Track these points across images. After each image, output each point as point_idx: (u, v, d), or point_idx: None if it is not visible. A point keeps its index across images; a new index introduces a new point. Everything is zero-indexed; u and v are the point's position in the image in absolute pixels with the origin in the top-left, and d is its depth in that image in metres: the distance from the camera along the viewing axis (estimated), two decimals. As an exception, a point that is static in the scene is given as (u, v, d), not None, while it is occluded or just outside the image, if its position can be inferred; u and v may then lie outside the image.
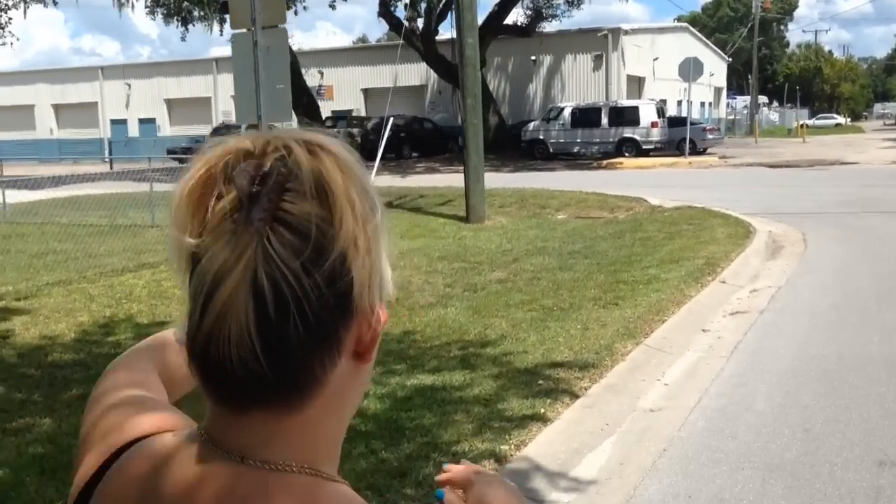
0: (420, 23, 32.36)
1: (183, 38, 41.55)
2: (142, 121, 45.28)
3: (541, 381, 5.04)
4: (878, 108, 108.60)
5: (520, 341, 5.99)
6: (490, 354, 5.71)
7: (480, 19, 32.13)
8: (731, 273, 8.58)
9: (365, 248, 0.65)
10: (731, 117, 55.44)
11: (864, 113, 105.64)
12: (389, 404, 4.65)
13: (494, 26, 32.96)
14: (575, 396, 4.82)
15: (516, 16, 34.96)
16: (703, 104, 48.54)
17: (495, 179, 19.11)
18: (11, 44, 31.41)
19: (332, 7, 28.37)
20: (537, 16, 34.80)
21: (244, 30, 6.88)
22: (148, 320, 7.01)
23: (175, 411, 0.84)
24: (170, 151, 28.12)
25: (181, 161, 19.12)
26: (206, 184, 0.65)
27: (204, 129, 37.99)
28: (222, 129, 32.73)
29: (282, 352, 0.63)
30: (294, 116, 29.51)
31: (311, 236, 0.62)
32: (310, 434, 0.68)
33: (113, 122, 46.13)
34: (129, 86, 45.59)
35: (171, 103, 45.27)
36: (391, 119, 16.14)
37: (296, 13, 28.28)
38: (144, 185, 13.29)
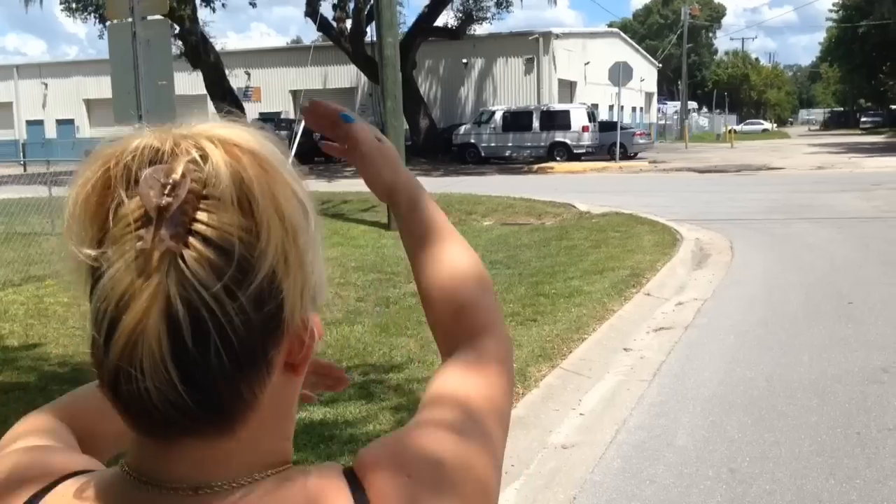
0: (349, 24, 31.70)
1: (100, 36, 40.02)
2: (59, 122, 43.39)
3: (443, 415, 4.51)
4: (803, 113, 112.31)
5: (427, 365, 5.45)
6: (393, 382, 5.17)
7: (411, 20, 31.89)
8: (656, 284, 8.20)
9: (297, 264, 0.58)
10: (662, 122, 56.12)
11: (790, 119, 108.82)
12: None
13: (424, 28, 32.48)
14: (479, 433, 4.30)
15: (447, 18, 34.56)
16: (634, 109, 48.96)
17: (424, 183, 18.28)
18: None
19: (253, 5, 27.55)
20: (467, 18, 34.40)
21: (122, 20, 6.22)
22: (19, 342, 6.29)
23: (80, 455, 0.73)
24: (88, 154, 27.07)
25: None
26: (105, 190, 0.57)
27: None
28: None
29: (204, 382, 0.56)
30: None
31: (235, 252, 0.55)
32: (248, 454, 0.62)
33: (29, 122, 44.17)
34: (46, 85, 43.74)
35: (90, 104, 43.40)
36: (303, 122, 15.58)
37: (213, 10, 27.43)
38: (55, 188, 12.42)
